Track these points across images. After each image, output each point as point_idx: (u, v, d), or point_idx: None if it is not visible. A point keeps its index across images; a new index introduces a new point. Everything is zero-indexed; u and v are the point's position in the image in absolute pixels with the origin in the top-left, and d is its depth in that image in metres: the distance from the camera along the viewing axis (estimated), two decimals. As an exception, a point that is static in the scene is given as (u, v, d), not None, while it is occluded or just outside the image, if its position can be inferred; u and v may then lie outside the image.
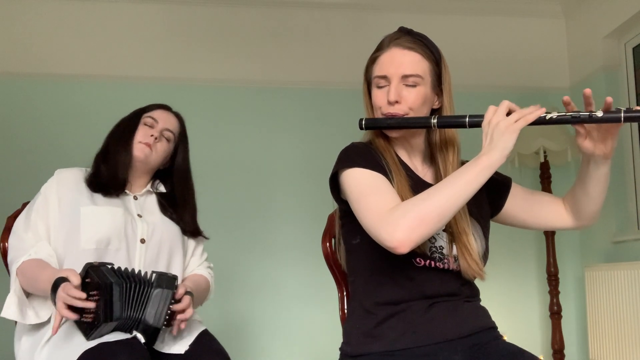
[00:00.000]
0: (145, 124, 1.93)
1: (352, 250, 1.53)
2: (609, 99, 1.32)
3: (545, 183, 3.51)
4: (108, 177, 1.87)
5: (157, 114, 1.96)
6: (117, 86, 3.51)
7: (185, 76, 3.61)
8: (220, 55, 3.65)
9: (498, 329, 1.53)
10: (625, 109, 1.30)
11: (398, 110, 1.45)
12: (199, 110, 3.58)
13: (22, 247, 1.76)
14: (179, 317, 1.68)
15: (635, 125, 3.45)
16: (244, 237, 3.54)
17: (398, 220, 1.28)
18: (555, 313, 3.48)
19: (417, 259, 1.41)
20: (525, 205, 1.61)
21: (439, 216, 1.28)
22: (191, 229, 1.99)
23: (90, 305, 1.53)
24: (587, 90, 1.33)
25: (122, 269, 1.65)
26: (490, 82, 3.76)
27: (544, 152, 3.47)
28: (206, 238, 2.07)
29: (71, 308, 1.54)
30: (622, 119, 1.30)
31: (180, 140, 2.01)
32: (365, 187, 1.39)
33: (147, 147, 1.90)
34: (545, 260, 3.54)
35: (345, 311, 1.69)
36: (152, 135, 1.91)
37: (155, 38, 3.62)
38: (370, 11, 3.72)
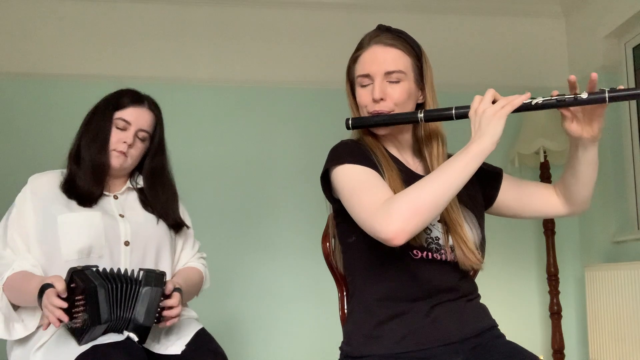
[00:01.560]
0: (118, 127, 1.83)
1: (348, 249, 1.53)
2: (594, 74, 1.32)
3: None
4: (84, 187, 1.79)
5: (130, 113, 1.84)
6: (117, 86, 3.40)
7: (185, 76, 3.61)
8: (220, 55, 3.65)
9: (498, 327, 1.53)
10: (609, 88, 1.31)
11: (384, 107, 1.46)
12: (198, 110, 3.60)
13: (3, 263, 1.70)
14: (166, 313, 1.64)
15: (635, 125, 3.45)
16: (244, 236, 3.54)
17: (392, 212, 1.27)
18: (555, 313, 3.47)
19: (414, 251, 1.41)
20: (517, 194, 1.61)
21: (432, 205, 1.28)
22: (172, 223, 1.89)
23: (76, 310, 1.52)
24: (572, 77, 1.34)
25: (108, 270, 1.62)
26: (490, 82, 3.70)
27: (544, 152, 3.47)
28: (187, 227, 1.97)
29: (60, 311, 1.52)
30: (607, 99, 1.30)
31: (155, 133, 1.90)
32: (357, 183, 1.39)
33: (122, 155, 1.82)
34: (545, 260, 3.54)
35: (346, 311, 1.68)
36: (124, 142, 1.82)
37: (155, 38, 3.62)
38: (370, 11, 3.72)
